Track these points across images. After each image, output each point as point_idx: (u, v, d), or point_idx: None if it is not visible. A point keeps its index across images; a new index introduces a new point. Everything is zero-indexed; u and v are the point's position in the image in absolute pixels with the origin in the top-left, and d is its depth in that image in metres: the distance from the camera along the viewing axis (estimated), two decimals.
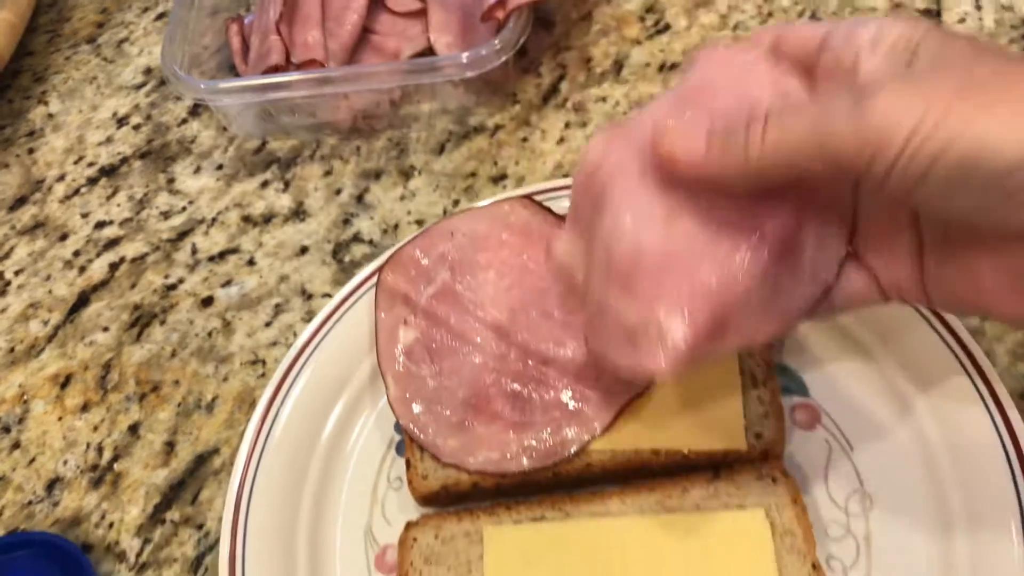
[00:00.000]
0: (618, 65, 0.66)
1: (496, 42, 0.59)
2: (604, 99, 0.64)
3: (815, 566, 0.43)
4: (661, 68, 0.65)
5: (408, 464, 0.50)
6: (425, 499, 0.49)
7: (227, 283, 0.61)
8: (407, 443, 0.50)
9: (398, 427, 0.52)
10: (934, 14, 0.64)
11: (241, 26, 0.70)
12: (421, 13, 0.67)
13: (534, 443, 0.48)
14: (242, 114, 0.65)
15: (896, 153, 0.31)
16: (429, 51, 0.66)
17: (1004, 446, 0.45)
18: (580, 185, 0.43)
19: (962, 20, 0.63)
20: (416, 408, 0.50)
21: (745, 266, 0.38)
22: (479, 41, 0.64)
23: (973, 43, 0.34)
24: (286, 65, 0.63)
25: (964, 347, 0.48)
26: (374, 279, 0.55)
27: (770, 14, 0.66)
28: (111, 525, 0.52)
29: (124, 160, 0.68)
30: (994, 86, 0.31)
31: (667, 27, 0.67)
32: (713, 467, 0.47)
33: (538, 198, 0.57)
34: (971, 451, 0.46)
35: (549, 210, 0.55)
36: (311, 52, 0.64)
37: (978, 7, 0.64)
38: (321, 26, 0.65)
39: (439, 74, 0.60)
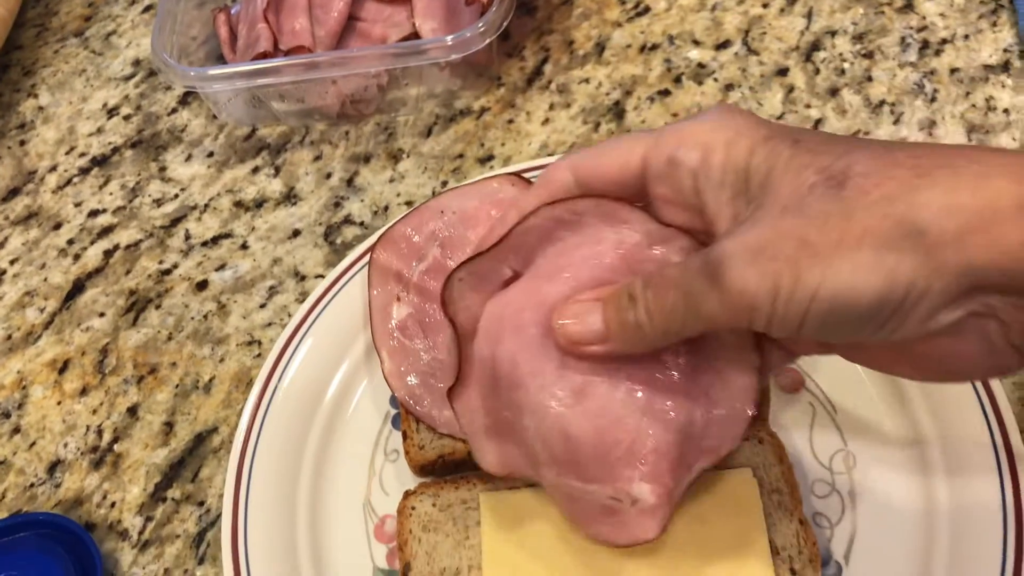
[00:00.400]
0: (600, 47, 0.67)
1: (480, 24, 0.60)
2: (587, 80, 0.66)
3: (802, 522, 0.45)
4: (642, 49, 0.67)
5: (404, 436, 0.51)
6: (422, 469, 0.50)
7: (221, 267, 0.62)
8: (403, 415, 0.51)
9: (394, 401, 0.53)
10: None
11: (228, 16, 0.71)
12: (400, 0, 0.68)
13: None
14: (232, 101, 0.66)
15: (767, 314, 0.32)
16: (415, 36, 0.67)
17: (981, 403, 0.47)
18: (486, 364, 0.41)
19: None
20: (411, 381, 0.52)
21: (671, 408, 0.38)
22: (464, 24, 0.65)
23: (794, 148, 0.34)
24: (274, 52, 0.64)
25: None
26: (366, 258, 0.56)
27: None
28: (113, 504, 0.53)
29: (115, 150, 0.69)
30: (831, 233, 0.31)
31: (647, 9, 0.69)
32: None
33: (525, 175, 0.58)
34: (951, 408, 0.47)
35: None
36: (298, 39, 0.65)
37: None
38: (308, 13, 0.66)
39: (425, 57, 0.61)
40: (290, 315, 0.59)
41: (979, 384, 0.47)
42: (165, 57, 0.63)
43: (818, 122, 0.61)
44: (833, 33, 0.65)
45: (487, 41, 0.61)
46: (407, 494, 0.48)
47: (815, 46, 0.64)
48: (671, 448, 0.39)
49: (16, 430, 0.57)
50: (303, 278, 0.60)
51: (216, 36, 0.71)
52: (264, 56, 0.64)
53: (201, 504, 0.53)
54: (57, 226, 0.66)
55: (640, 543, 0.40)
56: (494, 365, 0.40)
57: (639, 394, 0.39)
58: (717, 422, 0.40)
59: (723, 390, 0.40)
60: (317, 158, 0.65)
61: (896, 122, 0.60)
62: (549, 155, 0.62)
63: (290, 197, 0.64)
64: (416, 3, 0.67)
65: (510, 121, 0.65)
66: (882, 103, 0.61)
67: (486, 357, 0.41)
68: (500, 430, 0.42)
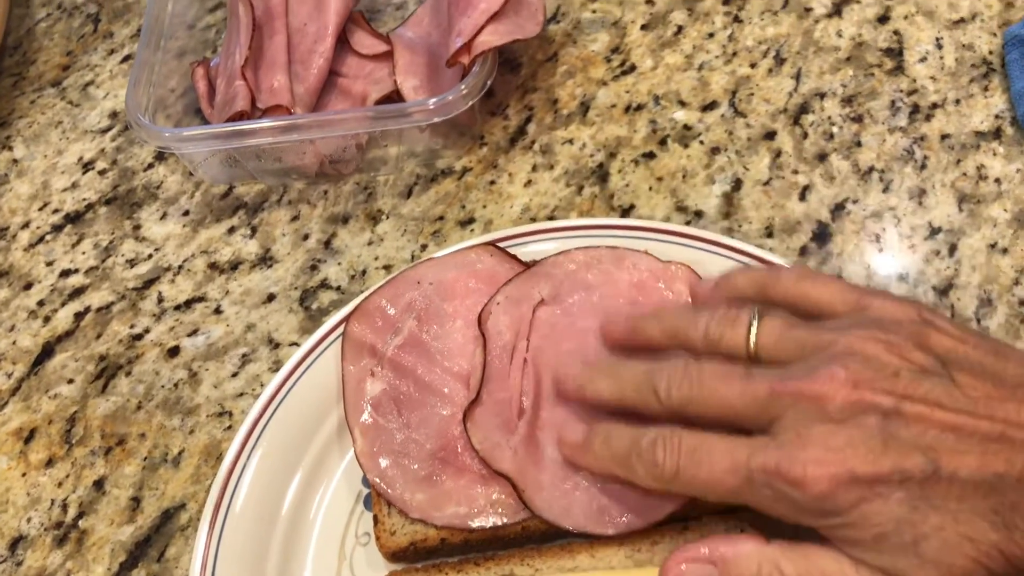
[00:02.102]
0: (584, 106, 0.66)
1: (462, 87, 0.59)
2: (571, 141, 0.65)
3: None
4: (627, 109, 0.65)
5: (376, 519, 0.49)
6: (394, 555, 0.49)
7: (193, 332, 0.60)
8: (374, 498, 0.50)
9: (366, 481, 0.52)
10: (896, 53, 0.65)
11: (207, 69, 0.69)
12: (387, 55, 0.67)
13: (502, 497, 0.48)
14: (208, 160, 0.65)
15: None
16: (396, 94, 0.66)
17: None
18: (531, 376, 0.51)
19: (923, 59, 0.64)
20: (383, 462, 0.50)
21: None
22: (446, 83, 0.64)
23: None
24: (251, 111, 0.63)
25: None
26: (340, 329, 0.55)
27: (735, 54, 0.67)
28: None
29: (89, 207, 0.67)
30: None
31: (633, 67, 0.67)
32: (682, 519, 0.47)
33: (504, 244, 0.57)
34: None
35: (515, 257, 0.55)
36: (277, 97, 0.63)
37: (939, 46, 0.64)
38: (287, 70, 0.65)
39: (407, 120, 0.60)
40: (262, 385, 0.57)
41: None
42: (139, 116, 0.62)
43: (806, 188, 0.60)
44: (822, 95, 0.64)
45: (469, 103, 0.59)
46: None
47: (803, 108, 0.63)
48: None
49: None
50: (277, 345, 0.59)
51: (194, 89, 0.69)
52: (241, 116, 0.62)
53: None
54: (28, 286, 0.64)
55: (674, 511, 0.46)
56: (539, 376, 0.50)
57: None
58: None
59: None
60: (295, 218, 0.64)
61: (885, 190, 0.59)
62: (531, 219, 0.61)
63: (266, 259, 0.62)
64: (398, 60, 0.66)
65: (492, 182, 0.64)
66: (871, 169, 0.60)
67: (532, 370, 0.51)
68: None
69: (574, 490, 0.48)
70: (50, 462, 0.56)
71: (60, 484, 0.55)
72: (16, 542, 0.54)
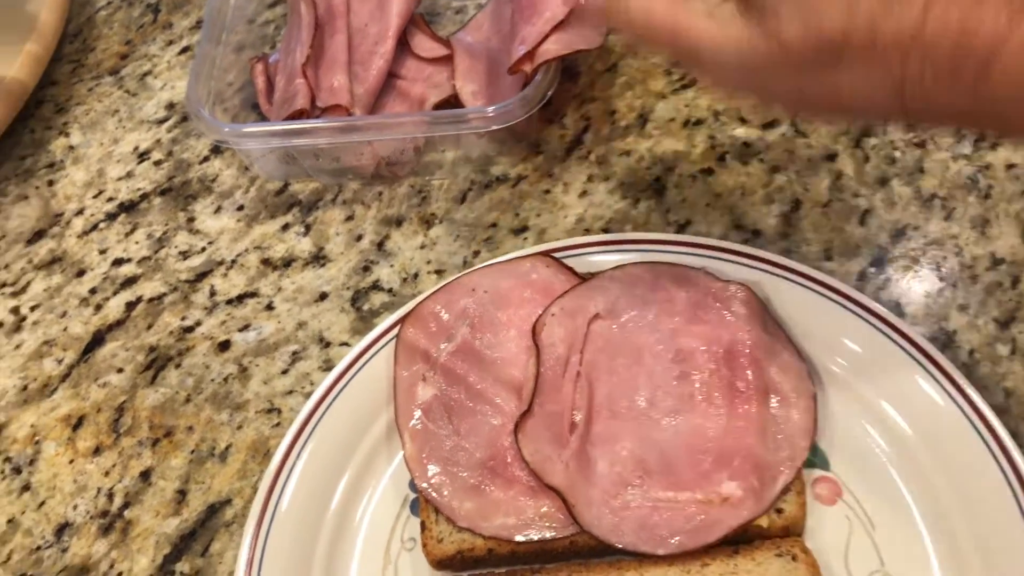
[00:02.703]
0: (643, 119, 0.66)
1: (524, 95, 0.59)
2: (628, 153, 0.64)
3: None
4: (686, 123, 0.65)
5: (423, 526, 0.49)
6: (439, 563, 0.49)
7: (245, 327, 0.60)
8: (422, 504, 0.50)
9: (413, 485, 0.51)
10: None
11: (266, 65, 0.69)
12: (446, 59, 0.67)
13: (552, 510, 0.48)
14: (265, 156, 0.65)
15: None
16: (454, 98, 0.66)
17: None
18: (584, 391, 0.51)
19: None
20: (432, 469, 0.50)
21: (747, 427, 0.49)
22: (505, 89, 0.63)
23: None
24: (311, 109, 0.63)
25: (991, 429, 0.47)
26: (393, 331, 0.55)
27: None
28: (120, 575, 0.52)
29: (144, 196, 0.68)
30: None
31: (694, 82, 0.67)
32: (733, 542, 0.46)
33: (560, 255, 0.56)
34: (999, 541, 0.45)
35: (571, 269, 0.55)
36: (336, 97, 0.63)
37: None
38: (347, 70, 0.65)
39: (465, 126, 0.60)
40: (312, 383, 0.57)
41: None
42: (199, 109, 0.62)
43: (866, 212, 0.59)
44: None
45: (529, 112, 0.59)
46: None
47: (866, 132, 0.62)
48: (752, 456, 0.47)
49: (26, 487, 0.56)
50: (327, 344, 0.59)
51: (252, 84, 0.69)
52: (301, 114, 0.62)
53: None
54: (80, 273, 0.64)
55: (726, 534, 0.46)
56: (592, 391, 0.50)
57: (722, 418, 0.49)
58: (787, 435, 0.49)
59: (787, 412, 0.49)
60: (349, 218, 0.64)
61: (947, 218, 0.58)
62: (585, 230, 0.61)
63: (319, 258, 0.63)
64: (458, 65, 0.66)
65: (547, 191, 0.63)
66: (933, 196, 0.59)
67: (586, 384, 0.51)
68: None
69: (625, 507, 0.47)
70: (97, 450, 0.57)
71: (107, 473, 0.56)
72: (62, 528, 0.54)
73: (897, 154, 0.61)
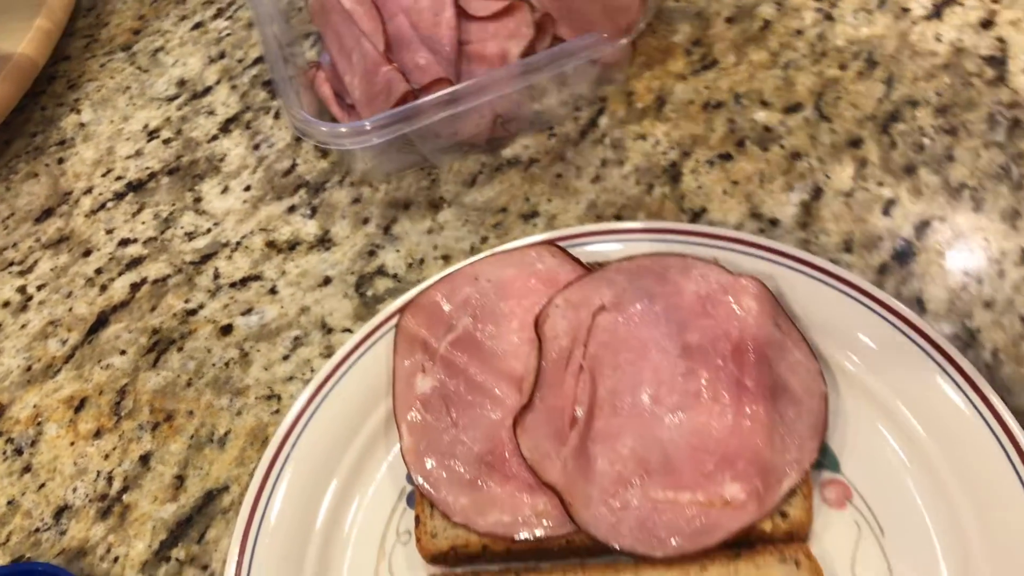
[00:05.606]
0: (660, 101, 0.63)
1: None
2: (644, 137, 0.62)
3: None
4: (705, 106, 0.62)
5: (417, 520, 0.48)
6: (433, 558, 0.47)
7: (247, 311, 0.59)
8: (417, 498, 0.49)
9: (410, 477, 0.50)
10: (998, 62, 0.60)
11: (328, 73, 0.67)
12: (506, 12, 0.64)
13: (548, 508, 0.47)
14: (377, 153, 0.63)
15: None
16: (532, 46, 0.63)
17: None
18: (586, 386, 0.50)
19: None
20: (429, 462, 0.49)
21: (754, 428, 0.46)
22: (585, 23, 0.62)
23: None
24: (410, 94, 0.61)
25: (1011, 436, 0.45)
26: (394, 319, 0.53)
27: (824, 53, 0.63)
28: (116, 559, 0.52)
29: (152, 175, 0.67)
30: None
31: (714, 62, 0.64)
32: (734, 546, 0.45)
33: (567, 243, 0.55)
34: (1012, 549, 0.43)
35: (577, 260, 0.53)
36: (431, 72, 0.61)
37: None
38: (425, 46, 0.63)
39: (579, 56, 0.58)
40: (313, 370, 0.56)
41: None
42: (308, 118, 0.58)
43: (890, 202, 0.56)
44: (915, 103, 0.60)
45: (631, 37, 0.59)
46: None
47: (894, 116, 0.60)
48: (757, 458, 0.46)
49: (27, 468, 0.56)
50: (330, 331, 0.58)
51: (315, 95, 0.66)
52: (404, 99, 0.60)
53: (205, 568, 0.51)
54: (87, 253, 0.64)
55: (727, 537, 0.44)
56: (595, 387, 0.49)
57: (728, 417, 0.47)
58: (795, 436, 0.47)
59: (796, 411, 0.48)
60: (356, 200, 0.63)
61: (976, 209, 0.55)
62: (597, 217, 0.59)
63: (324, 241, 0.61)
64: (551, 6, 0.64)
65: (559, 175, 0.61)
66: (962, 186, 0.56)
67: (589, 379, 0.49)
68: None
69: (624, 507, 0.46)
70: (98, 433, 0.56)
71: (107, 456, 0.55)
72: (61, 511, 0.54)
73: (926, 141, 0.59)
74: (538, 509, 0.47)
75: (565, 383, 0.49)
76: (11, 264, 0.65)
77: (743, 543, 0.45)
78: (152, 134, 0.69)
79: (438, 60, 0.63)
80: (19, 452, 0.56)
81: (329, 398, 0.52)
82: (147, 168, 0.68)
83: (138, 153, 0.69)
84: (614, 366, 0.50)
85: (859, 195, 0.57)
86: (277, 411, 0.55)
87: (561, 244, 0.54)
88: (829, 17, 0.65)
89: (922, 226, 0.55)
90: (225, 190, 0.65)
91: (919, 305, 0.52)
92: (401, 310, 0.53)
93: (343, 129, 0.58)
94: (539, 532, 0.46)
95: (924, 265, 0.54)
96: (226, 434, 0.55)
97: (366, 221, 0.62)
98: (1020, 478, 0.44)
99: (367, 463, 0.51)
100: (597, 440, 0.48)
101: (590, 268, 0.53)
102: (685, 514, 0.45)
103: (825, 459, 0.48)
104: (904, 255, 0.54)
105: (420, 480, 0.48)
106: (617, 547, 0.45)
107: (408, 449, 0.49)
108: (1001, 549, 0.43)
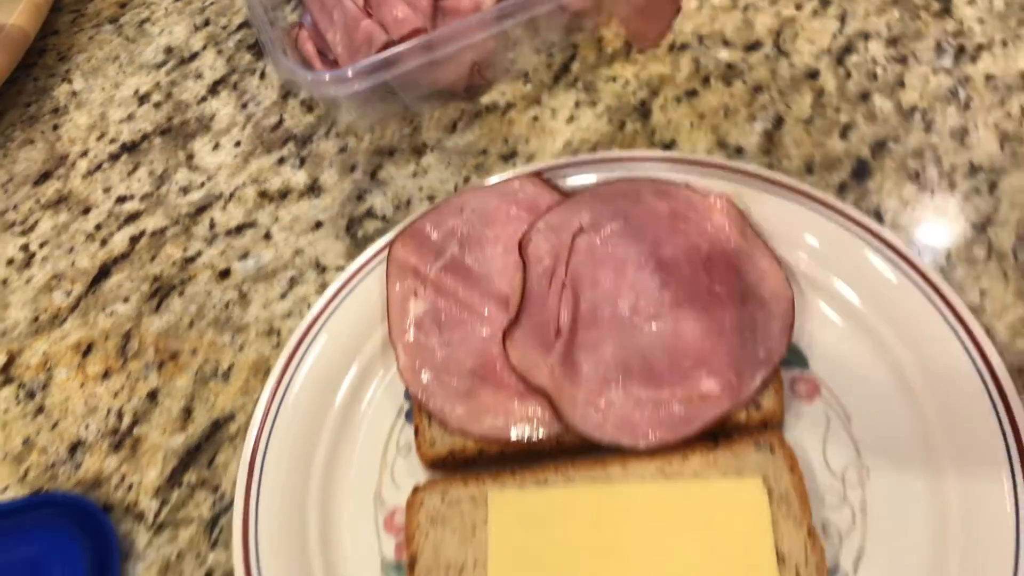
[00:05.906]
0: (628, 45, 0.67)
1: None
2: (614, 79, 0.65)
3: (811, 532, 0.45)
4: (671, 48, 0.66)
5: (416, 430, 0.51)
6: (433, 464, 0.51)
7: (244, 256, 0.62)
8: (416, 410, 0.52)
9: (408, 395, 0.53)
10: None
11: (310, 31, 0.69)
12: None
13: (539, 411, 0.50)
14: (359, 101, 0.65)
15: None
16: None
17: (1000, 420, 0.46)
18: (569, 300, 0.53)
19: (971, 1, 0.64)
20: (425, 377, 0.52)
21: (727, 328, 0.51)
22: None
23: None
24: (391, 43, 0.63)
25: (964, 325, 0.49)
26: (385, 252, 0.56)
27: None
28: (130, 487, 0.54)
29: (145, 137, 0.70)
30: None
31: (678, 8, 0.68)
32: (712, 436, 0.48)
33: (547, 175, 0.58)
34: (967, 426, 0.46)
35: (557, 188, 0.57)
36: (408, 24, 0.64)
37: None
38: (403, 1, 0.65)
39: (547, 3, 0.60)
40: (310, 306, 0.59)
41: (1001, 407, 0.46)
42: (295, 67, 0.60)
43: (847, 127, 0.60)
44: (867, 36, 0.64)
45: None
46: (416, 489, 0.49)
47: (847, 49, 0.63)
48: (730, 356, 0.49)
49: (40, 410, 0.58)
50: (324, 269, 0.61)
51: (299, 53, 0.68)
52: (384, 49, 0.61)
53: (216, 490, 0.54)
54: (86, 211, 0.67)
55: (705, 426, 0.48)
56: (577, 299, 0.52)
57: (702, 321, 0.51)
58: (764, 336, 0.50)
59: (765, 314, 0.51)
60: (342, 150, 0.66)
61: (927, 129, 0.59)
62: (573, 152, 0.62)
63: (313, 189, 0.64)
64: None
65: (535, 118, 0.65)
66: (913, 109, 0.60)
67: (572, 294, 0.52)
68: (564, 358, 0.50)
69: (608, 406, 0.49)
70: (106, 374, 0.59)
71: (116, 395, 0.58)
72: (75, 447, 0.56)
73: (878, 70, 0.62)
74: (529, 413, 0.50)
75: (549, 300, 0.53)
76: (13, 224, 0.67)
77: (720, 433, 0.48)
78: (143, 99, 0.72)
79: (415, 13, 0.66)
80: (31, 395, 0.59)
81: (327, 326, 0.55)
82: (140, 130, 0.70)
83: (130, 117, 0.71)
84: (594, 282, 0.53)
85: (818, 122, 0.61)
86: (278, 345, 0.58)
87: (542, 175, 0.57)
88: None
89: (878, 147, 0.59)
90: (216, 147, 0.68)
91: (877, 217, 0.56)
92: (391, 241, 0.56)
93: (327, 77, 0.61)
94: (531, 432, 0.49)
95: (880, 181, 0.58)
96: (229, 368, 0.58)
97: (353, 168, 0.65)
98: (971, 359, 0.48)
99: (366, 385, 0.54)
100: (581, 348, 0.51)
101: (569, 195, 0.56)
102: (665, 409, 0.49)
103: (794, 357, 0.52)
104: (861, 173, 0.58)
105: (418, 393, 0.51)
106: (603, 442, 0.48)
107: (405, 367, 0.52)
108: (957, 423, 0.47)
